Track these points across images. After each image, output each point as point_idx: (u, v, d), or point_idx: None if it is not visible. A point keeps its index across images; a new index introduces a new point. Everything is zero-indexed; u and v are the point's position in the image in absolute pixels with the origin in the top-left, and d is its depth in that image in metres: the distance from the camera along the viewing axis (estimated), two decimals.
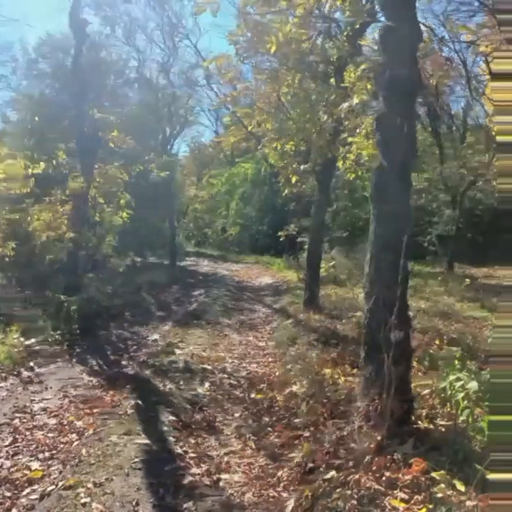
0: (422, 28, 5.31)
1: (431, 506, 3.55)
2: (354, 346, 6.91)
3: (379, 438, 4.24)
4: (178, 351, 8.52)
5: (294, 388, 6.47)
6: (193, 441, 5.06)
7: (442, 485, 3.66)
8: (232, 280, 19.32)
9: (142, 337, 9.75)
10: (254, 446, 5.05)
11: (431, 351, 6.91)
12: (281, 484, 4.25)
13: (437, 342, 7.67)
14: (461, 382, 4.57)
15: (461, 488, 3.60)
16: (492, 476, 3.50)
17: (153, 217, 17.94)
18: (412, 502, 3.65)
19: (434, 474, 3.74)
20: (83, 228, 11.70)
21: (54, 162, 13.15)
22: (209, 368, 7.68)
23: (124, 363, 7.94)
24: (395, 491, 3.76)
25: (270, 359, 8.27)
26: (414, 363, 5.86)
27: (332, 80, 8.96)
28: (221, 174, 32.65)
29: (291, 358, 7.56)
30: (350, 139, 8.63)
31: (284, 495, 4.05)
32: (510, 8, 3.49)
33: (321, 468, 4.19)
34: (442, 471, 3.71)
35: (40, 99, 14.83)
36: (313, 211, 12.21)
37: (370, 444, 4.24)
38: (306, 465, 4.36)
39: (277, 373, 7.30)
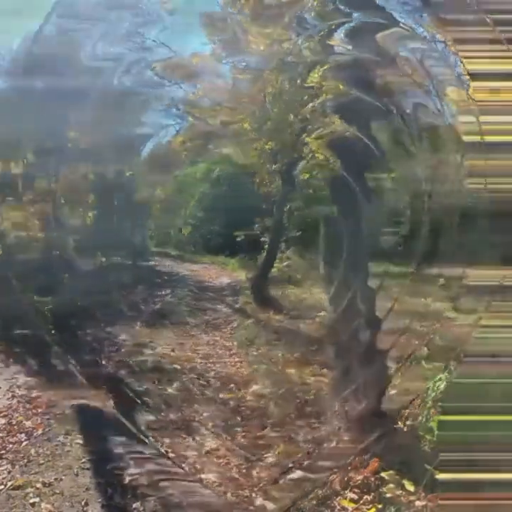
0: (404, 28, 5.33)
1: (380, 506, 3.56)
2: (318, 346, 6.93)
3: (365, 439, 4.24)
4: (149, 351, 8.51)
5: (262, 388, 6.48)
6: (168, 440, 5.07)
7: (391, 485, 3.67)
8: (193, 280, 19.34)
9: (114, 337, 9.70)
10: (229, 446, 5.05)
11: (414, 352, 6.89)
12: (260, 484, 4.24)
13: (417, 342, 7.66)
14: (439, 383, 4.59)
15: (410, 488, 3.62)
16: (441, 476, 3.54)
17: (118, 217, 17.85)
18: (361, 502, 3.66)
19: (383, 474, 3.75)
20: (53, 229, 11.59)
21: (23, 162, 12.96)
22: (179, 367, 7.67)
23: (100, 363, 7.92)
24: (346, 491, 3.77)
25: (237, 359, 8.25)
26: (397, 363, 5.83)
27: (299, 81, 9.01)
28: (176, 175, 32.39)
29: (255, 358, 7.57)
30: (307, 139, 8.70)
31: (263, 495, 4.06)
32: (506, 8, 3.55)
33: (300, 469, 4.20)
34: (391, 471, 3.72)
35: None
36: (274, 211, 12.22)
37: (352, 444, 4.24)
38: (285, 465, 4.36)
39: (245, 373, 7.30)
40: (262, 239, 16.78)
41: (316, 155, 9.01)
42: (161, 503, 3.76)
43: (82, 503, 3.72)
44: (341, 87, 6.78)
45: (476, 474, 3.41)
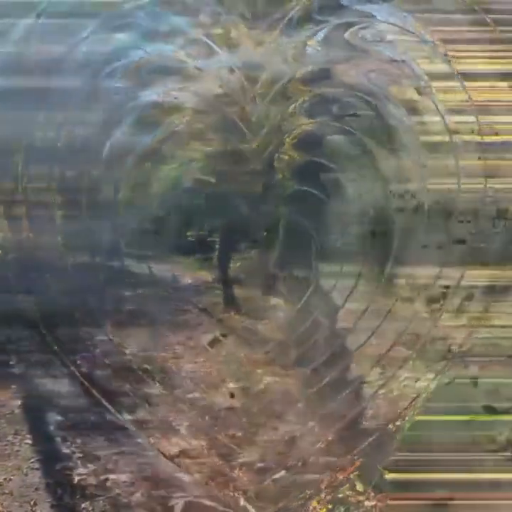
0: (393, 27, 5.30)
1: (330, 506, 3.56)
2: (282, 347, 6.94)
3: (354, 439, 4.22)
4: (126, 351, 8.51)
5: (232, 387, 6.49)
6: (151, 440, 5.06)
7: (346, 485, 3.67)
8: (163, 280, 19.45)
9: (93, 337, 9.69)
10: (208, 446, 5.05)
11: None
12: (239, 483, 4.22)
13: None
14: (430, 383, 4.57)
15: (360, 488, 3.61)
16: (390, 476, 3.55)
17: (90, 218, 17.95)
18: (318, 501, 3.65)
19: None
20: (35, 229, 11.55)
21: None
22: (155, 368, 7.67)
23: (79, 362, 7.94)
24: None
25: (209, 359, 8.26)
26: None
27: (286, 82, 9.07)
28: (154, 175, 32.87)
29: (222, 357, 7.58)
30: (287, 140, 8.75)
31: (245, 496, 4.05)
32: (505, 7, 3.57)
33: (280, 469, 4.19)
34: None
35: None
36: (247, 211, 12.25)
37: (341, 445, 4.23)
38: (267, 465, 4.35)
39: (217, 373, 7.30)
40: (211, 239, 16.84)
41: (281, 155, 9.09)
42: (110, 503, 3.74)
43: (31, 503, 3.68)
44: (312, 89, 6.82)
45: (426, 474, 3.41)
